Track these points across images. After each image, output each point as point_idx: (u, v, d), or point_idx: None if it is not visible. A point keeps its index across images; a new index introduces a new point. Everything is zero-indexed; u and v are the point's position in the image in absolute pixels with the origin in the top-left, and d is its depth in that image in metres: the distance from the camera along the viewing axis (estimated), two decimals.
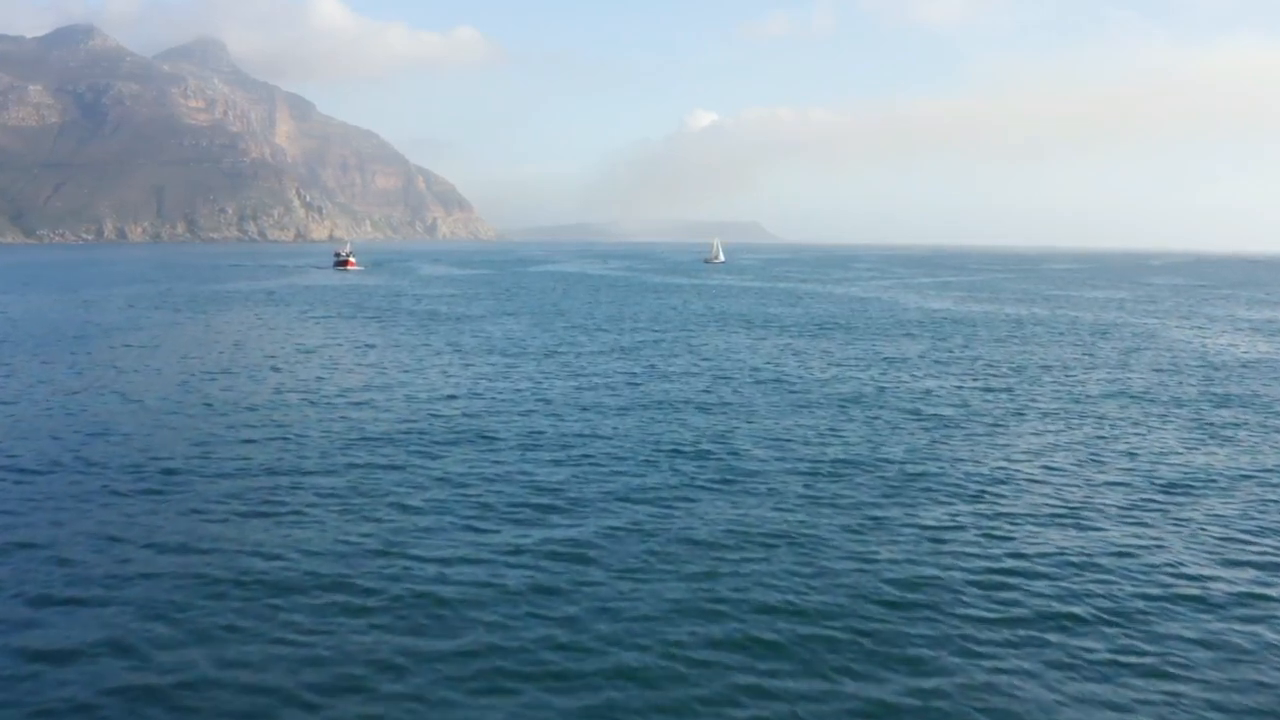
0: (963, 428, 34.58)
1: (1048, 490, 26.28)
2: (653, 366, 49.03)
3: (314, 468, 27.65)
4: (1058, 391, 43.03)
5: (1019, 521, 23.32)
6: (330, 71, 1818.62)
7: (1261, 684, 15.17)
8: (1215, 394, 43.03)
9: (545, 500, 24.59)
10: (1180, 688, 15.04)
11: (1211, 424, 36.02)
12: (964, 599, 18.27)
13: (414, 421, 34.38)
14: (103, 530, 21.93)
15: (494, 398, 39.48)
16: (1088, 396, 41.86)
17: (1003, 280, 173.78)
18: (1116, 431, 34.22)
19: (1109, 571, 19.97)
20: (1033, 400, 40.56)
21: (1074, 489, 26.39)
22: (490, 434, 32.36)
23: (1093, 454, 30.55)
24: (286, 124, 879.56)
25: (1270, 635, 16.92)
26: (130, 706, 14.30)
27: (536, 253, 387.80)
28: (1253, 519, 23.80)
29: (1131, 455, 30.55)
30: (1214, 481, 27.41)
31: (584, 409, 37.17)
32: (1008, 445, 31.96)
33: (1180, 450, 31.40)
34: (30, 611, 17.48)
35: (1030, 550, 21.24)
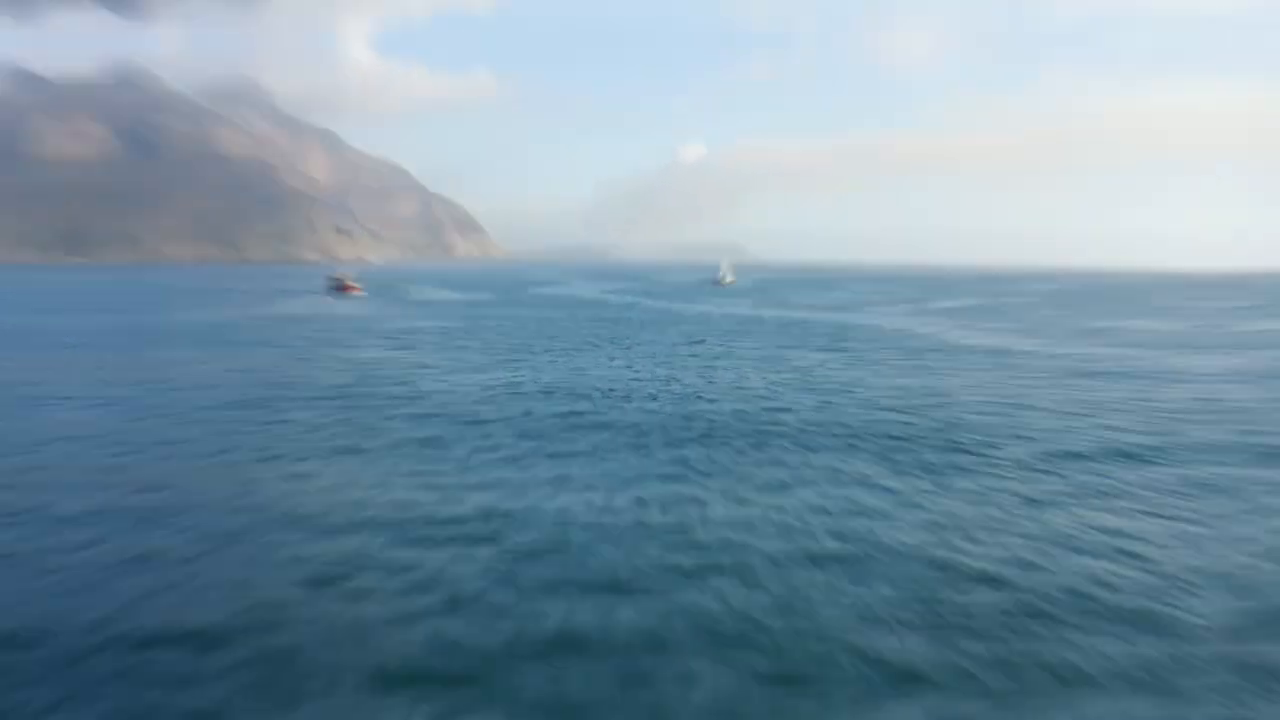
0: None
1: None
2: (664, 551, 19.41)
3: None
4: None
5: None
6: (358, 108, 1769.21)
7: None
8: None
9: None
10: None
11: None
12: None
13: None
14: None
15: None
16: None
17: (1024, 306, 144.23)
18: None
19: None
20: None
21: None
22: None
23: None
24: (318, 156, 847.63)
25: None
26: None
27: (539, 273, 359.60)
28: None
29: None
30: None
31: None
32: None
33: None
34: None
35: None
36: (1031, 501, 25.04)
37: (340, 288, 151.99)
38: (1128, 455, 30.97)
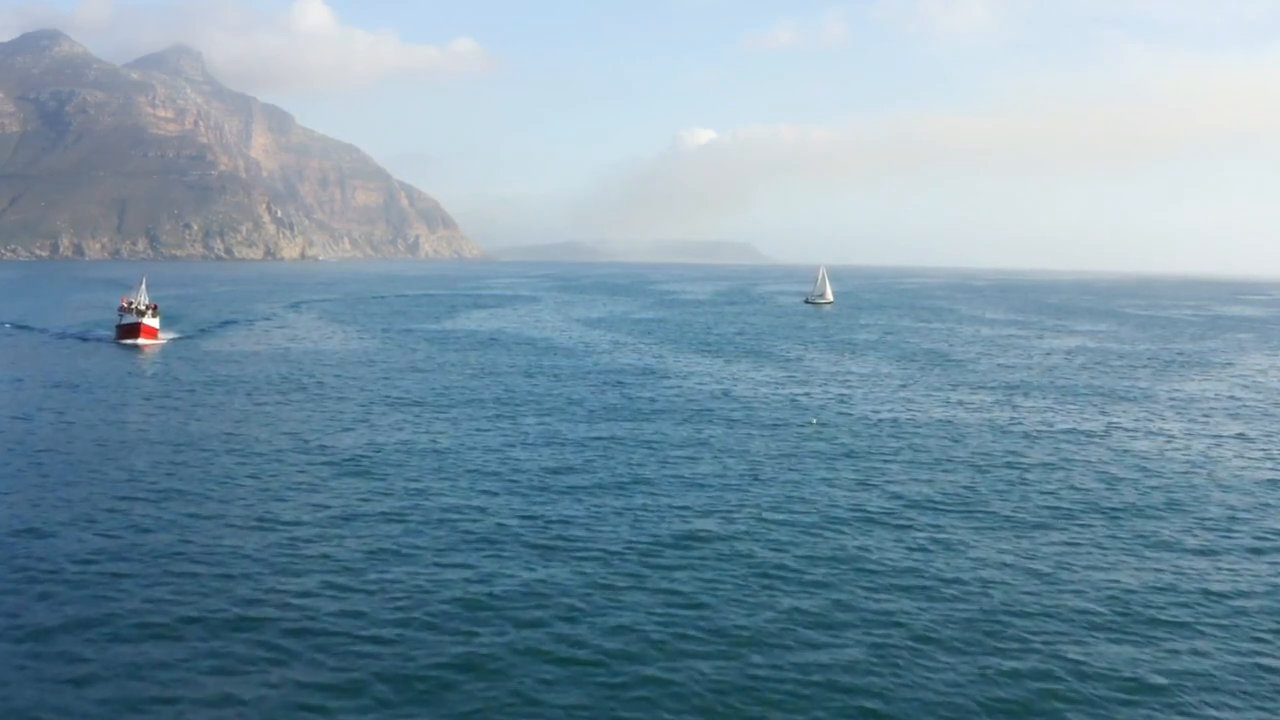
0: None
1: None
2: None
3: None
4: None
5: None
6: (314, 83, 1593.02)
7: None
8: None
9: None
10: None
11: None
12: None
13: None
14: None
15: None
16: None
17: None
18: None
19: None
20: None
21: None
22: None
23: None
24: (263, 136, 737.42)
25: None
26: None
27: (506, 280, 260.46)
28: None
29: None
30: None
31: None
32: None
33: None
34: None
35: None
36: None
37: (126, 330, 77.85)
38: None
